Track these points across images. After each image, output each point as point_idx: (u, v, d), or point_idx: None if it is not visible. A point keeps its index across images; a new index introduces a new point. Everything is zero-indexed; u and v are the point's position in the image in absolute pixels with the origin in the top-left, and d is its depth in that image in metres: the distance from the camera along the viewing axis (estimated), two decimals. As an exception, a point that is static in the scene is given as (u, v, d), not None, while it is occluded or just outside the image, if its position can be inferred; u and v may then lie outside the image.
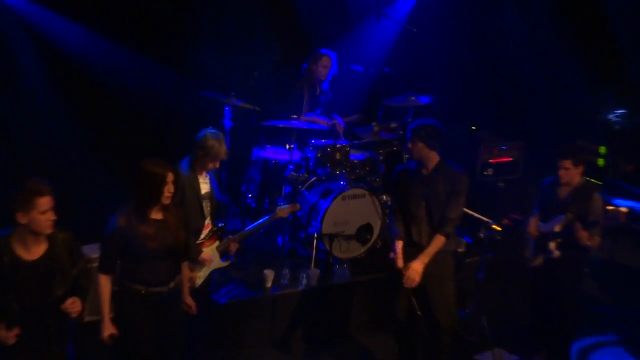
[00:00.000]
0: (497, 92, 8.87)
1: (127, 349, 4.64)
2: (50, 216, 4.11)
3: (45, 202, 4.08)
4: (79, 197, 6.72)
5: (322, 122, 7.39)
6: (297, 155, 7.11)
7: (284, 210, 5.78)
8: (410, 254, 5.31)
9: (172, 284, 4.64)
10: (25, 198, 4.04)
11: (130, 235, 4.45)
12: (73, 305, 4.24)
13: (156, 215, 4.54)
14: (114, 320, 4.64)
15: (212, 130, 5.31)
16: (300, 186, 6.97)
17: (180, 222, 4.64)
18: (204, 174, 5.40)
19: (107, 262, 4.55)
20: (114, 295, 4.61)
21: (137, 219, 4.46)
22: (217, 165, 5.36)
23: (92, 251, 5.80)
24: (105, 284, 4.57)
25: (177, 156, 5.37)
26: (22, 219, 4.06)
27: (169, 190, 4.48)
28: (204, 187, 5.41)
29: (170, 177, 4.49)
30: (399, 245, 5.37)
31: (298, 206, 5.93)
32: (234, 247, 5.50)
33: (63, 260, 4.25)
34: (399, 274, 5.30)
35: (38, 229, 4.11)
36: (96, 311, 5.75)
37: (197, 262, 5.29)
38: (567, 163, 5.56)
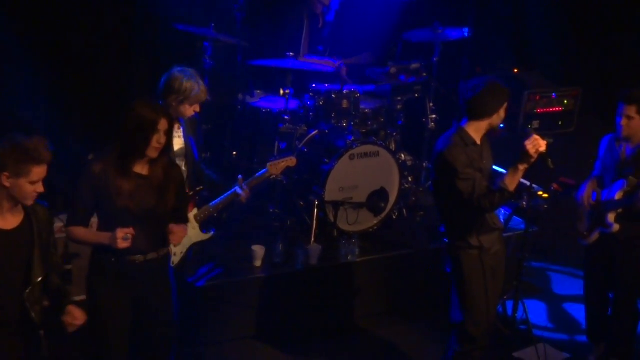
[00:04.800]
0: (547, 24, 8.77)
1: (96, 334, 4.66)
2: (39, 188, 4.14)
3: (40, 172, 4.11)
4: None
5: (326, 62, 7.33)
6: (293, 103, 7.09)
7: (276, 165, 5.71)
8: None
9: (152, 255, 4.66)
10: (20, 160, 4.05)
11: (103, 186, 4.48)
12: (75, 317, 4.27)
13: (141, 169, 4.56)
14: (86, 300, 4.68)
15: (179, 69, 5.26)
16: (297, 142, 6.95)
17: (169, 183, 4.64)
18: (176, 125, 5.37)
19: (78, 216, 4.59)
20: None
21: (115, 169, 4.49)
22: (198, 109, 5.34)
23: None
24: (81, 231, 4.56)
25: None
26: (5, 181, 4.08)
27: (158, 140, 4.48)
28: (177, 142, 5.40)
29: (163, 124, 4.48)
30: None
31: (294, 160, 5.84)
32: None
33: (43, 237, 4.28)
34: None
35: (19, 197, 4.14)
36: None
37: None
38: (631, 110, 5.53)
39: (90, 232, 4.60)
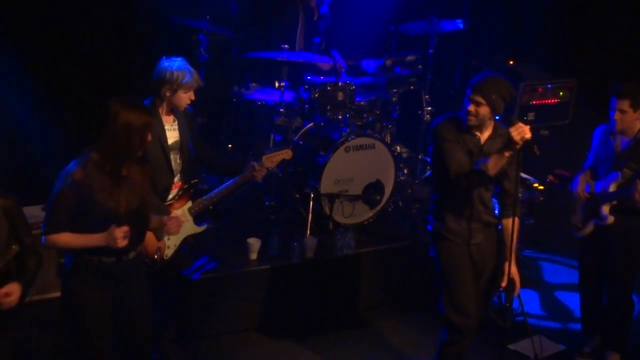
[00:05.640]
0: (542, 15, 8.78)
1: (78, 334, 4.64)
2: None
3: None
4: (17, 149, 6.73)
5: (321, 64, 7.36)
6: (288, 96, 7.07)
7: (271, 158, 5.64)
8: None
9: (132, 254, 4.65)
10: None
11: (87, 194, 4.42)
12: (8, 295, 4.23)
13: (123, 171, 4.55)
14: (62, 300, 4.65)
15: (167, 60, 5.24)
16: (292, 134, 6.94)
17: (146, 180, 4.65)
18: (171, 118, 5.36)
19: (61, 222, 4.50)
20: (60, 270, 4.59)
21: (103, 174, 4.44)
22: (193, 96, 5.32)
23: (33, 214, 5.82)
24: (68, 236, 4.50)
25: (141, 96, 5.33)
26: None
27: (147, 140, 4.50)
28: (172, 135, 5.38)
29: (151, 124, 4.51)
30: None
31: (290, 152, 5.77)
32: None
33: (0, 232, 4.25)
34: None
35: None
36: (41, 288, 5.85)
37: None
38: (624, 104, 5.54)
39: (79, 236, 4.47)
